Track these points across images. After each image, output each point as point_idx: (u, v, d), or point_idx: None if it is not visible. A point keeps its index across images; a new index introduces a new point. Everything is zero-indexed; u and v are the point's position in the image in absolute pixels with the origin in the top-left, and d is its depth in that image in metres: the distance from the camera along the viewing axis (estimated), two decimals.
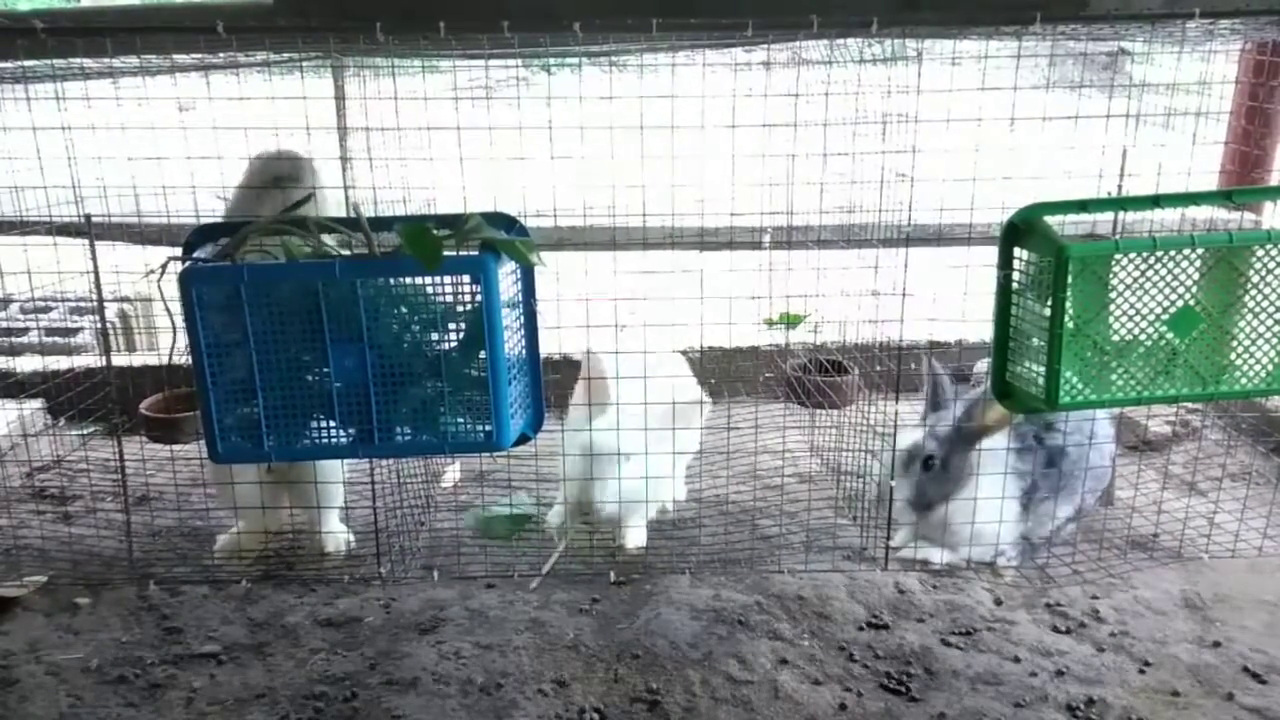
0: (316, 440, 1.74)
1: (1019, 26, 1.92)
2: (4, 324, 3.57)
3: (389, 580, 2.16)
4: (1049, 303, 1.63)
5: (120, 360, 3.19)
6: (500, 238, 1.70)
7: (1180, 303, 1.66)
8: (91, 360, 3.18)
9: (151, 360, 3.19)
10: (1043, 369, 1.69)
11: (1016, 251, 1.74)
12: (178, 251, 1.78)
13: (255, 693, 1.76)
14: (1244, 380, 1.71)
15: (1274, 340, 1.69)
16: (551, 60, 2.64)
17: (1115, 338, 1.67)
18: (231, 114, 2.08)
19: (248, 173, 2.16)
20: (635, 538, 2.28)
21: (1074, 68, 2.30)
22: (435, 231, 1.61)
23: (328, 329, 1.64)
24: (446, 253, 1.65)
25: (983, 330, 2.16)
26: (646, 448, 2.11)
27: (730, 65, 2.36)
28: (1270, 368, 1.70)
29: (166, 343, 1.84)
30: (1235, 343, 1.70)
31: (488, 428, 1.72)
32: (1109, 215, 1.97)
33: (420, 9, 1.82)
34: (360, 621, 1.99)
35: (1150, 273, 1.64)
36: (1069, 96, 2.07)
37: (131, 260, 2.27)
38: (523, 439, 1.87)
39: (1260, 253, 1.65)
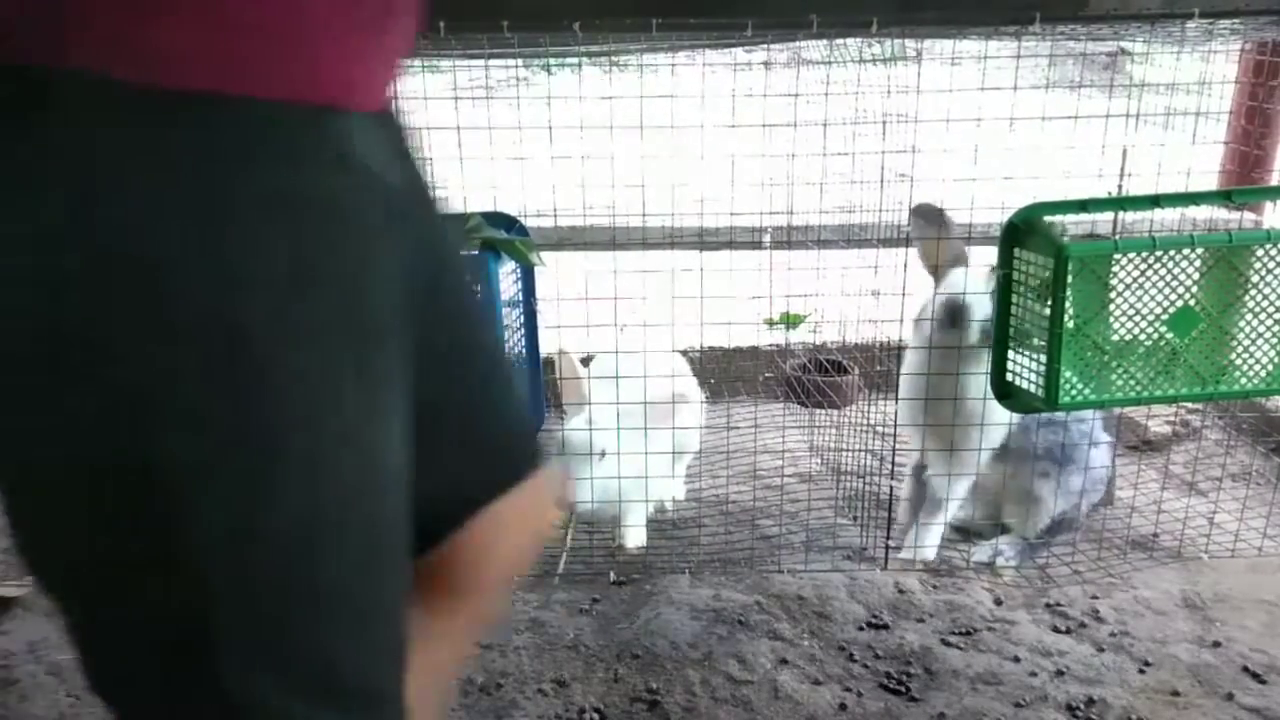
0: None
1: (1019, 26, 1.92)
2: None
3: None
4: (1049, 303, 1.63)
5: None
6: (500, 237, 1.70)
7: (1180, 303, 1.66)
8: None
9: None
10: (1042, 369, 1.69)
11: (1016, 251, 1.74)
12: None
13: None
14: (1244, 380, 1.71)
15: (1274, 340, 1.69)
16: (551, 60, 2.64)
17: (1115, 338, 1.67)
18: None
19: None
20: (635, 538, 2.28)
21: (1074, 68, 2.30)
22: None
23: None
24: None
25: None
26: (619, 446, 2.11)
27: (730, 65, 2.36)
28: (1270, 368, 1.70)
29: None
30: (1235, 343, 1.70)
31: None
32: (1109, 215, 1.97)
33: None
34: None
35: (1150, 272, 1.64)
36: (1069, 96, 2.07)
37: None
38: None
39: (1260, 253, 1.65)
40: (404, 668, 0.76)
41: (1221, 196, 1.88)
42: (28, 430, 0.62)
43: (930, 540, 2.21)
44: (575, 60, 2.49)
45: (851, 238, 2.37)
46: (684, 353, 2.77)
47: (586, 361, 2.47)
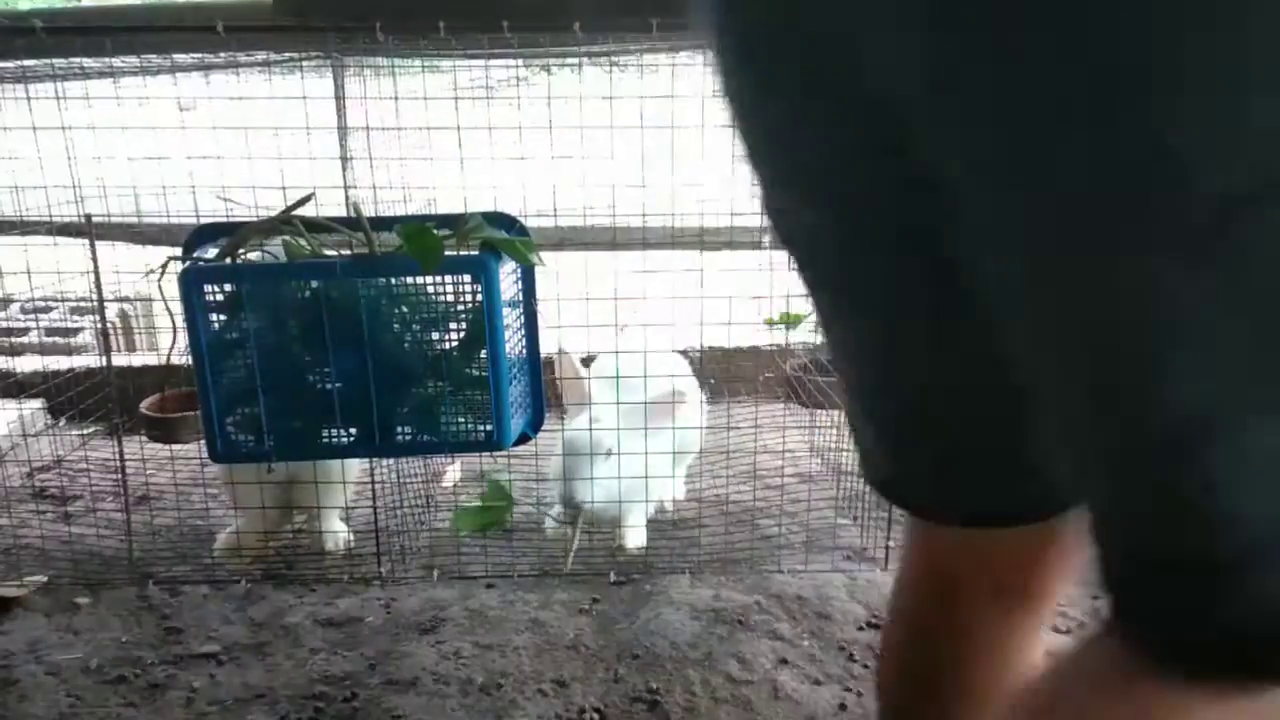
0: (317, 440, 1.74)
1: None
2: (4, 324, 3.58)
3: (389, 580, 2.16)
4: None
5: (120, 360, 3.19)
6: (500, 237, 1.70)
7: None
8: (91, 360, 3.18)
9: (151, 360, 3.19)
10: None
11: None
12: (178, 251, 1.78)
13: (255, 693, 1.76)
14: None
15: None
16: (551, 60, 2.65)
17: None
18: (231, 114, 2.08)
19: None
20: (635, 538, 2.28)
21: None
22: (435, 231, 1.61)
23: (329, 329, 1.64)
24: (447, 252, 1.65)
25: None
26: (619, 446, 2.12)
27: None
28: None
29: (166, 343, 1.84)
30: None
31: (488, 427, 1.72)
32: None
33: (420, 9, 1.82)
34: (360, 621, 1.99)
35: None
36: None
37: (131, 260, 2.27)
38: (523, 438, 1.88)
39: None
40: None
41: None
42: None
43: None
44: (575, 60, 2.49)
45: None
46: (684, 353, 2.77)
47: (587, 362, 2.47)
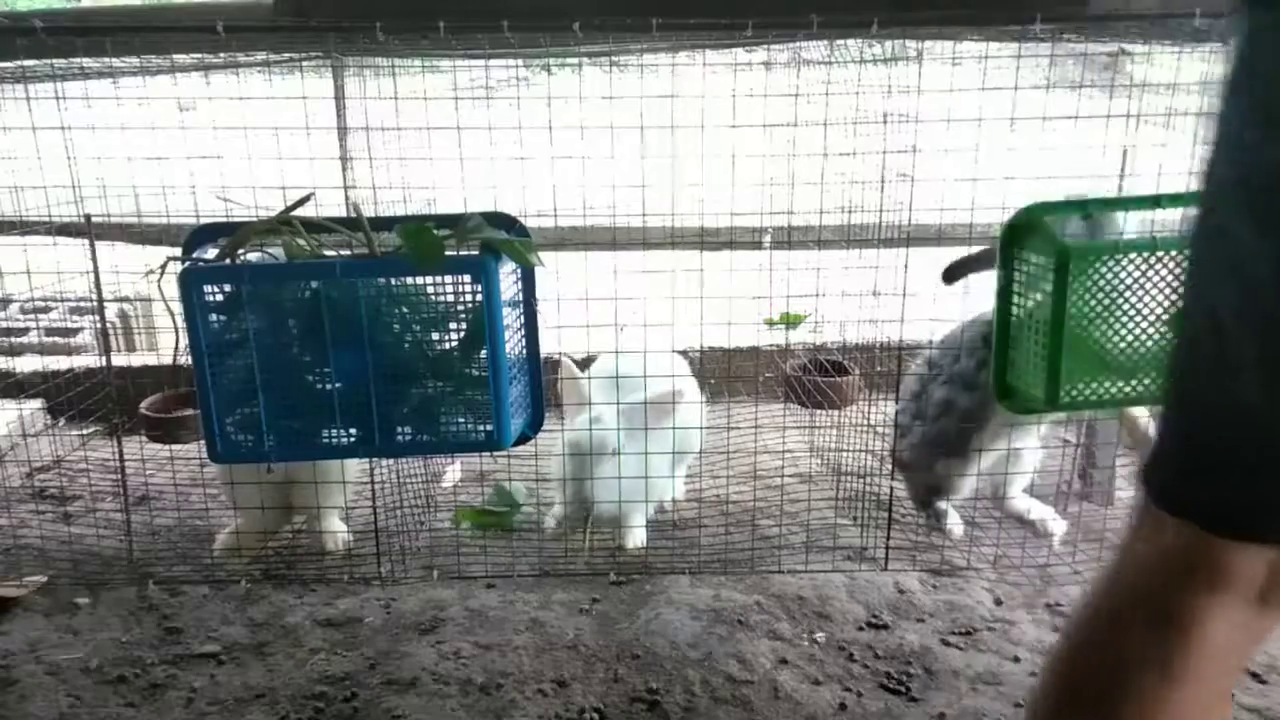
0: (317, 440, 1.74)
1: (1019, 27, 1.92)
2: (4, 324, 3.58)
3: (389, 580, 2.16)
4: (1049, 303, 1.63)
5: (120, 360, 3.19)
6: (500, 238, 1.70)
7: (1180, 302, 1.66)
8: (91, 360, 3.18)
9: (151, 360, 3.19)
10: (1043, 369, 1.69)
11: (1017, 251, 1.74)
12: (178, 251, 1.78)
13: (255, 693, 1.76)
14: None
15: None
16: (551, 60, 2.64)
17: (1115, 338, 1.67)
18: (231, 114, 2.08)
19: None
20: (635, 538, 2.28)
21: (1074, 68, 2.30)
22: (435, 231, 1.61)
23: (328, 329, 1.64)
24: (447, 253, 1.65)
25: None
26: (620, 446, 2.12)
27: (730, 65, 2.36)
28: None
29: (166, 343, 1.84)
30: None
31: (488, 427, 1.72)
32: (1110, 215, 1.96)
33: (420, 9, 1.82)
34: (360, 621, 1.99)
35: (1150, 273, 1.64)
36: (1069, 96, 2.07)
37: (131, 260, 2.27)
38: (523, 438, 1.88)
39: None
40: None
41: None
42: None
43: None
44: (575, 60, 2.49)
45: (851, 238, 2.37)
46: (684, 353, 2.77)
47: (586, 363, 2.47)
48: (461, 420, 1.74)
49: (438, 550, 2.28)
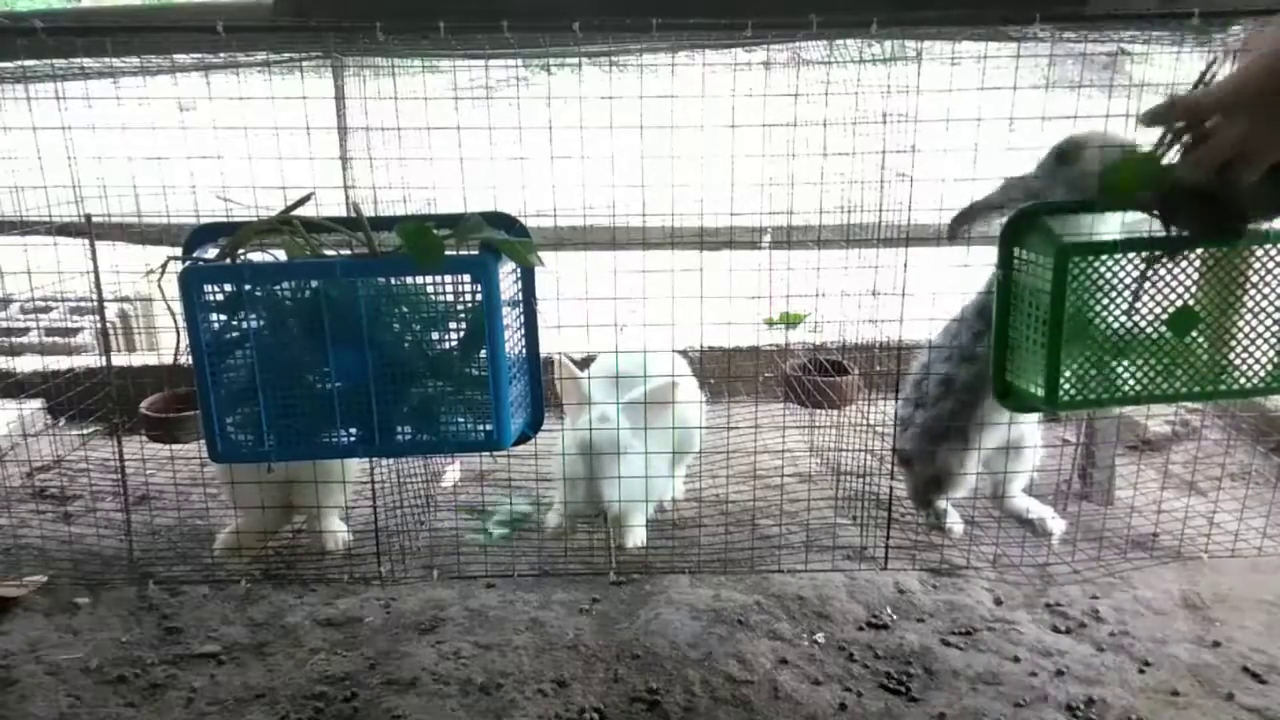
0: (317, 440, 1.74)
1: (1018, 27, 1.92)
2: (4, 324, 3.58)
3: (389, 580, 2.16)
4: (1048, 302, 1.63)
5: (120, 360, 3.19)
6: (500, 238, 1.70)
7: (1179, 302, 1.66)
8: (91, 360, 3.19)
9: (151, 360, 3.19)
10: (1042, 368, 1.69)
11: (1016, 251, 1.74)
12: (178, 251, 1.78)
13: (255, 693, 1.76)
14: (1244, 380, 1.71)
15: (1274, 340, 1.69)
16: (551, 60, 2.64)
17: (1114, 337, 1.67)
18: (231, 114, 2.08)
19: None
20: (635, 537, 2.28)
21: (1074, 68, 2.30)
22: (435, 231, 1.61)
23: (328, 328, 1.64)
24: (447, 252, 1.65)
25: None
26: (619, 446, 2.12)
27: (730, 65, 2.36)
28: (1270, 367, 1.70)
29: (167, 342, 1.85)
30: (1235, 343, 1.70)
31: (488, 427, 1.72)
32: (1109, 215, 1.96)
33: (420, 9, 1.82)
34: (360, 621, 1.99)
35: (1149, 272, 1.64)
36: (1069, 96, 2.07)
37: (131, 260, 2.27)
38: (523, 438, 1.88)
39: (1260, 253, 1.65)
40: None
41: None
42: None
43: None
44: (575, 60, 2.49)
45: (851, 238, 2.37)
46: (683, 353, 2.77)
47: (586, 363, 2.47)
48: (461, 420, 1.74)
49: (438, 550, 2.28)
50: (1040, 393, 1.71)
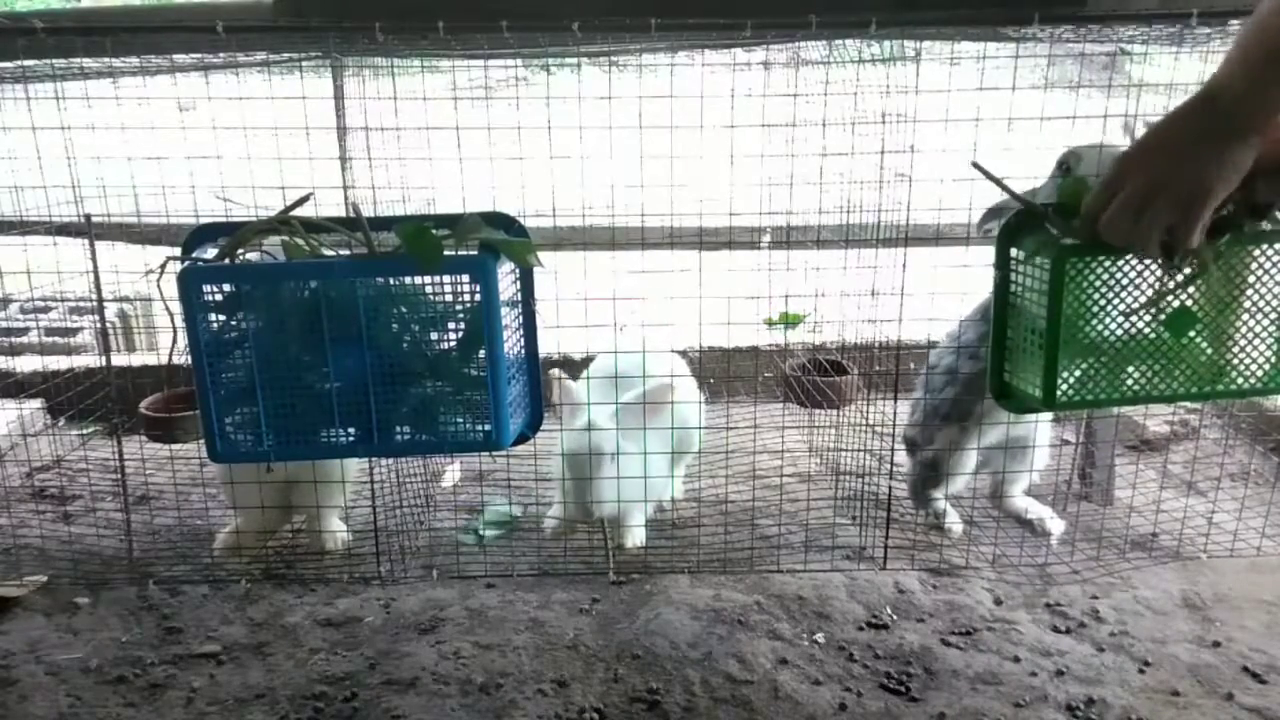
0: (316, 440, 1.74)
1: (1017, 27, 1.92)
2: (4, 324, 3.58)
3: (389, 580, 2.16)
4: (1046, 303, 1.63)
5: (120, 360, 3.19)
6: (499, 238, 1.70)
7: (1177, 303, 1.66)
8: (91, 360, 3.19)
9: (151, 360, 3.19)
10: (1040, 369, 1.69)
11: (1014, 251, 1.74)
12: (177, 251, 1.78)
13: (255, 693, 1.76)
14: (1242, 380, 1.71)
15: (1271, 340, 1.69)
16: (551, 60, 2.65)
17: (1112, 338, 1.67)
18: (231, 114, 2.08)
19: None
20: (635, 538, 2.29)
21: (1073, 68, 2.30)
22: (434, 231, 1.61)
23: (327, 329, 1.64)
24: (446, 253, 1.65)
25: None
26: (607, 450, 2.12)
27: (729, 65, 2.36)
28: (1268, 367, 1.70)
29: (166, 343, 1.85)
30: (1233, 343, 1.70)
31: (487, 427, 1.72)
32: None
33: (420, 9, 1.82)
34: (360, 621, 1.99)
35: (1148, 273, 1.64)
36: (1068, 96, 2.07)
37: (131, 260, 2.27)
38: (522, 438, 1.88)
39: (1258, 253, 1.65)
40: None
41: None
42: None
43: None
44: (574, 60, 2.49)
45: (850, 238, 2.37)
46: (683, 353, 2.77)
47: (585, 363, 2.47)
48: (460, 420, 1.74)
49: (437, 550, 2.28)
50: (1038, 394, 1.71)
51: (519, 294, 1.80)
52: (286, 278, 1.68)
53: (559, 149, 1.99)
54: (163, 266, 1.77)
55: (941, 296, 2.16)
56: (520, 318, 1.82)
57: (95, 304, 2.16)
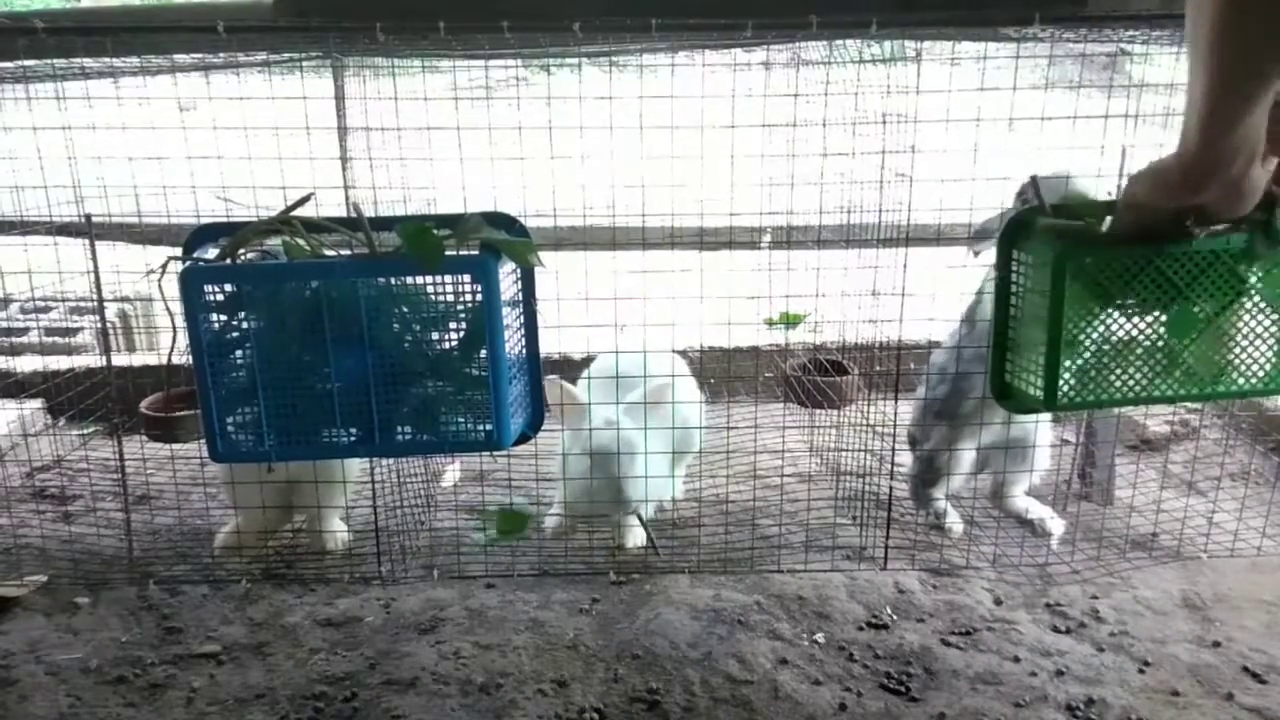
0: (317, 440, 1.74)
1: (1018, 28, 1.92)
2: (4, 324, 3.58)
3: (389, 580, 2.16)
4: (1047, 303, 1.63)
5: (120, 360, 3.19)
6: (500, 238, 1.70)
7: (1178, 303, 1.66)
8: (91, 360, 3.19)
9: (151, 360, 3.19)
10: (1041, 369, 1.69)
11: (1014, 252, 1.74)
12: (178, 251, 1.78)
13: (255, 693, 1.76)
14: (1242, 380, 1.71)
15: (1272, 340, 1.69)
16: (551, 60, 2.65)
17: (1113, 338, 1.67)
18: (231, 114, 2.08)
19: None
20: (635, 537, 2.28)
21: (1073, 68, 2.30)
22: (435, 231, 1.61)
23: (328, 329, 1.64)
24: (447, 253, 1.65)
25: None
26: (634, 446, 2.12)
27: (730, 65, 2.36)
28: (1268, 368, 1.70)
29: (167, 343, 1.85)
30: (1233, 343, 1.70)
31: (488, 427, 1.72)
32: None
33: (420, 9, 1.82)
34: (360, 621, 1.99)
35: (1148, 273, 1.64)
36: (1068, 96, 2.07)
37: (131, 260, 2.27)
38: (523, 438, 1.88)
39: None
40: None
41: None
42: None
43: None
44: (574, 60, 2.49)
45: (851, 238, 2.37)
46: (683, 353, 2.77)
47: (585, 363, 2.47)
48: (461, 420, 1.74)
49: (438, 550, 2.28)
50: (1039, 394, 1.71)
51: (520, 294, 1.80)
52: (288, 278, 1.68)
53: (559, 149, 2.00)
54: (164, 266, 1.77)
55: (942, 297, 2.16)
56: (521, 317, 1.81)
57: (96, 304, 2.16)
